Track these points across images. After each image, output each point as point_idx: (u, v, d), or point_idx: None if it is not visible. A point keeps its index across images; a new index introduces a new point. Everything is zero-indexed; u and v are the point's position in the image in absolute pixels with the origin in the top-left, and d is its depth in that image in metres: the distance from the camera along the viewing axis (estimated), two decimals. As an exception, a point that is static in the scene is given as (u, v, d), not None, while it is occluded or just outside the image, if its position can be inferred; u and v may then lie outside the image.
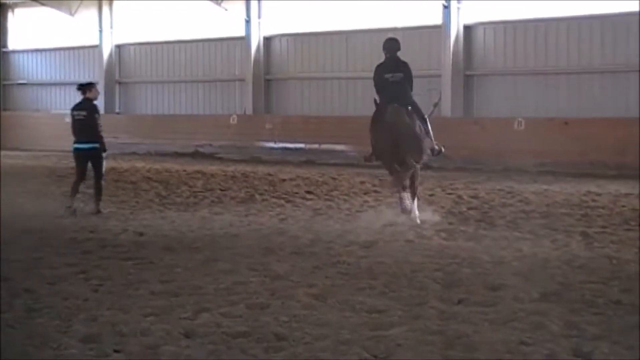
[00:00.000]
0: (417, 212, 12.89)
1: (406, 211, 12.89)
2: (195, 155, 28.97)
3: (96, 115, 14.23)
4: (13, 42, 37.44)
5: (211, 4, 29.16)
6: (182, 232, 12.04)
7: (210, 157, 28.30)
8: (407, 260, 9.66)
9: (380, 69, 13.48)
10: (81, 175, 14.42)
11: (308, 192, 17.10)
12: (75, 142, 14.38)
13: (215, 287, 8.28)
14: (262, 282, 8.52)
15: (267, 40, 29.52)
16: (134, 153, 29.63)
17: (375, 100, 13.49)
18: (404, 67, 13.33)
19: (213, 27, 30.81)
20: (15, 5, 36.77)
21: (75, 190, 14.46)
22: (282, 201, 15.77)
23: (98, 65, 33.70)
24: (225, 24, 30.28)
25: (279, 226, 12.58)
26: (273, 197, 16.42)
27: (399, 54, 13.47)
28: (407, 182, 13.06)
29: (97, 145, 14.21)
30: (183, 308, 7.43)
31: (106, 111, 33.49)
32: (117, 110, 33.75)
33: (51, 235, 11.71)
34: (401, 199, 13.10)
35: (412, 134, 12.77)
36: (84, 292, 8.08)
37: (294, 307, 7.46)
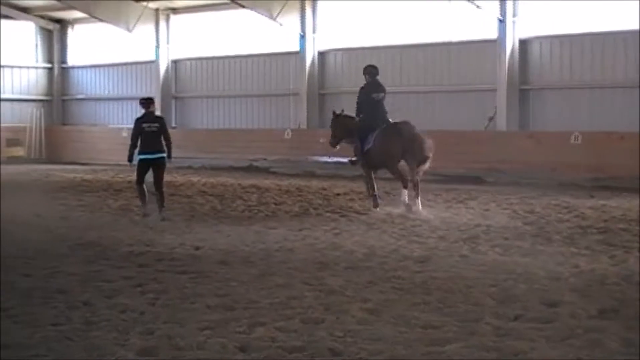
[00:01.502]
0: (420, 207, 15.92)
1: (407, 206, 15.79)
2: (250, 169, 29.09)
3: (167, 127, 15.43)
4: (73, 58, 38.06)
5: (266, 19, 29.33)
6: (237, 246, 12.09)
7: (265, 171, 28.40)
8: (461, 276, 9.61)
9: (367, 90, 16.81)
10: (157, 183, 15.49)
11: (362, 207, 17.07)
12: (143, 153, 15.25)
13: (270, 301, 8.31)
14: (317, 297, 8.54)
15: (322, 54, 29.63)
16: (189, 167, 29.84)
17: (334, 112, 17.66)
18: (383, 88, 16.86)
19: (268, 42, 31.01)
20: (75, 21, 37.38)
21: (144, 196, 15.48)
22: (337, 215, 15.76)
23: (154, 80, 34.09)
24: (280, 38, 30.46)
25: (334, 240, 12.58)
26: (327, 211, 16.43)
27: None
28: (408, 183, 16.10)
29: (165, 155, 15.36)
30: (238, 322, 7.46)
31: (163, 125, 33.93)
32: (173, 124, 34.07)
33: (108, 249, 11.85)
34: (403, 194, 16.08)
35: (424, 142, 16.23)
36: (140, 305, 8.16)
37: (348, 322, 7.46)
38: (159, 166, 15.44)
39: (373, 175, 16.71)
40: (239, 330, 7.22)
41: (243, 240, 12.62)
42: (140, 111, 15.61)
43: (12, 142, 35.48)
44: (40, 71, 38.23)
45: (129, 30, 33.48)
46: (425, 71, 27.18)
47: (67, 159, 34.58)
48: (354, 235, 13.13)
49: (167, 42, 33.98)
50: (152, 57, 34.15)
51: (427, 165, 16.53)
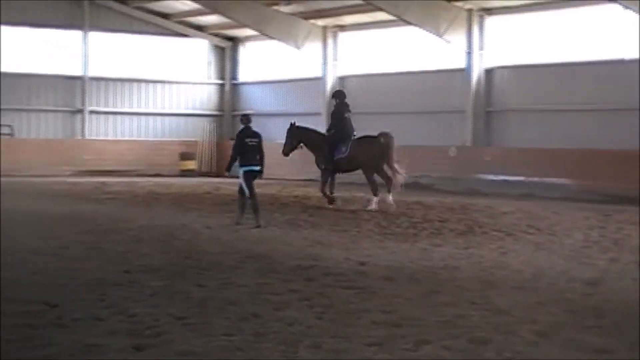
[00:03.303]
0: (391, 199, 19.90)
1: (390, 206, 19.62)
2: (413, 186, 28.98)
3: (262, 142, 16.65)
4: (243, 75, 39.13)
5: (433, 36, 29.30)
6: (402, 262, 12.10)
7: (429, 188, 28.29)
8: (636, 300, 9.29)
9: (340, 110, 20.80)
10: (252, 192, 16.36)
11: (529, 226, 16.77)
12: (247, 165, 16.41)
13: (436, 319, 8.28)
14: (484, 316, 8.44)
15: (488, 72, 29.33)
16: (352, 183, 30.05)
17: (291, 123, 21.24)
18: (350, 109, 21.12)
19: (434, 58, 30.97)
20: (247, 39, 38.44)
21: (244, 206, 16.41)
22: (503, 234, 15.54)
23: (321, 96, 34.58)
24: (446, 55, 30.36)
25: (500, 260, 12.41)
26: (493, 230, 16.22)
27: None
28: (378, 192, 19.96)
29: (261, 167, 16.50)
30: (404, 339, 7.46)
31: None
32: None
33: (276, 262, 12.06)
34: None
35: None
36: (308, 319, 8.26)
37: (517, 343, 7.35)
38: (254, 177, 16.49)
39: (334, 180, 20.85)
40: (405, 347, 7.21)
41: (408, 257, 12.62)
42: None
43: (186, 156, 36.72)
44: (212, 87, 39.50)
45: (297, 47, 34.16)
46: (597, 90, 26.44)
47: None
48: (521, 255, 12.92)
49: (334, 59, 34.44)
50: (319, 74, 34.68)
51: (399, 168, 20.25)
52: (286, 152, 21.05)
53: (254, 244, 13.83)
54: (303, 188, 27.47)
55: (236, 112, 39.01)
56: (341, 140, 20.51)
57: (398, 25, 30.77)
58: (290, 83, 36.78)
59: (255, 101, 38.43)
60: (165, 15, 37.53)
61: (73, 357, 6.85)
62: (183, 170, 35.98)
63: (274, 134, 37.14)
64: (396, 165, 20.32)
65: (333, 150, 20.47)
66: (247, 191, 16.43)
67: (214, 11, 34.90)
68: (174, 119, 38.38)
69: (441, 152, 29.47)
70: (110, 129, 37.44)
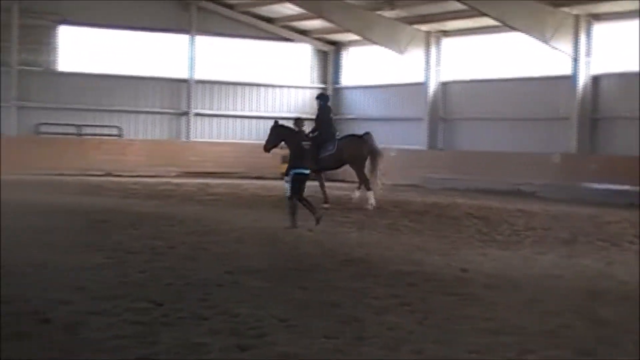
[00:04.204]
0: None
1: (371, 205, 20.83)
2: (516, 193, 28.66)
3: None
4: (345, 79, 39.29)
5: (539, 42, 28.92)
6: (504, 270, 11.97)
7: (531, 195, 27.91)
8: None
9: (326, 111, 22.27)
10: (301, 195, 16.68)
11: (635, 236, 16.40)
12: (299, 167, 16.75)
13: (540, 328, 8.18)
14: (588, 327, 8.31)
15: (595, 79, 28.80)
16: (453, 189, 29.91)
17: (275, 122, 19.91)
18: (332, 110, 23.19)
19: (539, 65, 30.57)
20: (350, 44, 38.60)
21: (297, 208, 16.49)
22: (607, 244, 15.25)
23: (423, 102, 34.47)
24: (551, 62, 29.93)
25: (605, 270, 12.19)
26: (598, 239, 15.91)
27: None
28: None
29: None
30: (507, 347, 7.40)
31: (430, 147, 34.25)
32: (439, 146, 34.34)
33: (376, 266, 12.08)
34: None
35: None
36: (409, 324, 8.25)
37: (621, 355, 7.22)
38: (305, 180, 17.01)
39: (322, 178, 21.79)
40: (508, 356, 7.16)
41: (510, 265, 12.49)
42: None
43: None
44: (315, 91, 39.66)
45: (400, 52, 34.12)
46: None
47: (340, 177, 35.59)
48: (627, 265, 12.65)
49: (437, 65, 34.29)
50: (422, 79, 34.57)
51: (382, 165, 21.58)
52: (267, 149, 20.86)
53: (354, 248, 13.87)
54: (404, 193, 27.42)
55: (337, 117, 39.16)
56: (326, 139, 21.66)
57: (502, 31, 30.48)
58: (392, 88, 36.78)
59: (356, 106, 38.53)
60: (269, 20, 37.98)
61: (179, 355, 7.01)
62: (284, 173, 36.19)
63: (376, 139, 37.24)
64: (379, 173, 21.52)
65: (319, 150, 21.21)
66: (289, 193, 16.58)
67: (318, 16, 35.12)
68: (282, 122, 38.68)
69: (545, 159, 29.04)
70: (215, 131, 38.07)
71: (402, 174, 32.01)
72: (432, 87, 34.33)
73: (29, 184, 26.87)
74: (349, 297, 9.57)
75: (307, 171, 16.99)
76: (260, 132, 38.34)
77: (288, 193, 16.69)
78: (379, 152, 21.84)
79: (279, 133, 21.09)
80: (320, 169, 21.47)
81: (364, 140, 21.86)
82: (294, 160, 16.89)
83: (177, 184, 29.32)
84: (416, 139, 34.60)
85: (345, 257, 12.81)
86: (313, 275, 11.02)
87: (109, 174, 33.05)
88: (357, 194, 21.74)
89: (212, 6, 37.25)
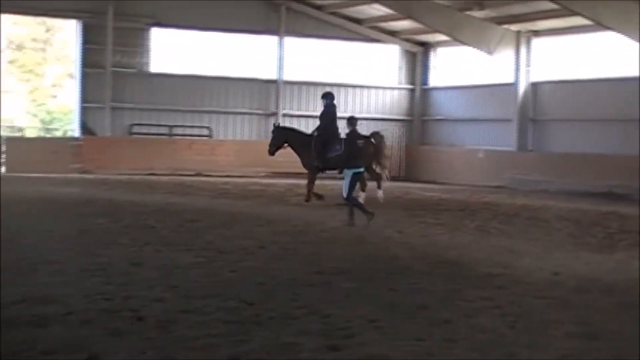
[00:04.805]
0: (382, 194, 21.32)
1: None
2: (609, 195, 28.10)
3: None
4: (433, 80, 39.10)
5: (631, 41, 28.33)
6: (597, 274, 11.78)
7: (626, 198, 27.32)
8: None
9: (332, 111, 21.61)
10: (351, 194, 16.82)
11: None
12: (356, 167, 16.90)
13: (636, 333, 8.01)
14: (685, 334, 8.12)
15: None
16: (544, 191, 29.49)
17: (277, 124, 22.44)
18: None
19: (631, 65, 29.92)
20: (438, 44, 38.40)
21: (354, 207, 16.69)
22: None
23: (512, 103, 34.08)
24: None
25: (702, 275, 11.87)
26: (695, 243, 15.50)
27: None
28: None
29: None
30: (601, 352, 7.29)
31: (519, 148, 33.83)
32: (529, 147, 33.91)
33: (466, 268, 12.01)
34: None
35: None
36: (499, 327, 8.19)
37: None
38: (359, 179, 17.45)
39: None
40: (602, 362, 7.07)
41: (603, 269, 12.28)
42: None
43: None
44: (403, 92, 39.67)
45: (489, 53, 33.78)
46: None
47: (424, 178, 35.54)
48: None
49: (527, 65, 33.87)
50: (511, 80, 34.18)
51: (388, 165, 22.39)
52: (271, 152, 21.62)
53: (443, 250, 13.80)
54: (493, 194, 27.16)
55: (426, 118, 39.09)
56: (332, 139, 21.31)
57: (594, 30, 29.93)
58: (481, 89, 36.45)
59: (445, 106, 38.31)
60: (357, 21, 38.00)
61: (270, 354, 7.07)
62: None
63: (464, 140, 37.05)
64: (385, 162, 21.85)
65: (326, 149, 21.27)
66: (346, 192, 16.66)
67: (406, 16, 35.01)
68: (364, 123, 38.65)
69: (637, 162, 28.40)
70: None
71: (490, 175, 31.76)
72: (521, 88, 33.90)
73: (124, 183, 27.48)
74: (438, 299, 9.53)
75: (362, 170, 17.37)
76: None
77: (345, 193, 16.71)
78: (385, 153, 21.80)
79: (281, 135, 21.76)
80: (326, 168, 21.65)
81: (371, 142, 21.46)
82: (351, 160, 16.96)
83: (266, 184, 29.55)
84: (505, 140, 34.22)
85: (435, 259, 12.75)
86: (402, 277, 10.99)
87: (199, 174, 33.49)
88: (380, 193, 21.60)
89: (300, 7, 37.45)
